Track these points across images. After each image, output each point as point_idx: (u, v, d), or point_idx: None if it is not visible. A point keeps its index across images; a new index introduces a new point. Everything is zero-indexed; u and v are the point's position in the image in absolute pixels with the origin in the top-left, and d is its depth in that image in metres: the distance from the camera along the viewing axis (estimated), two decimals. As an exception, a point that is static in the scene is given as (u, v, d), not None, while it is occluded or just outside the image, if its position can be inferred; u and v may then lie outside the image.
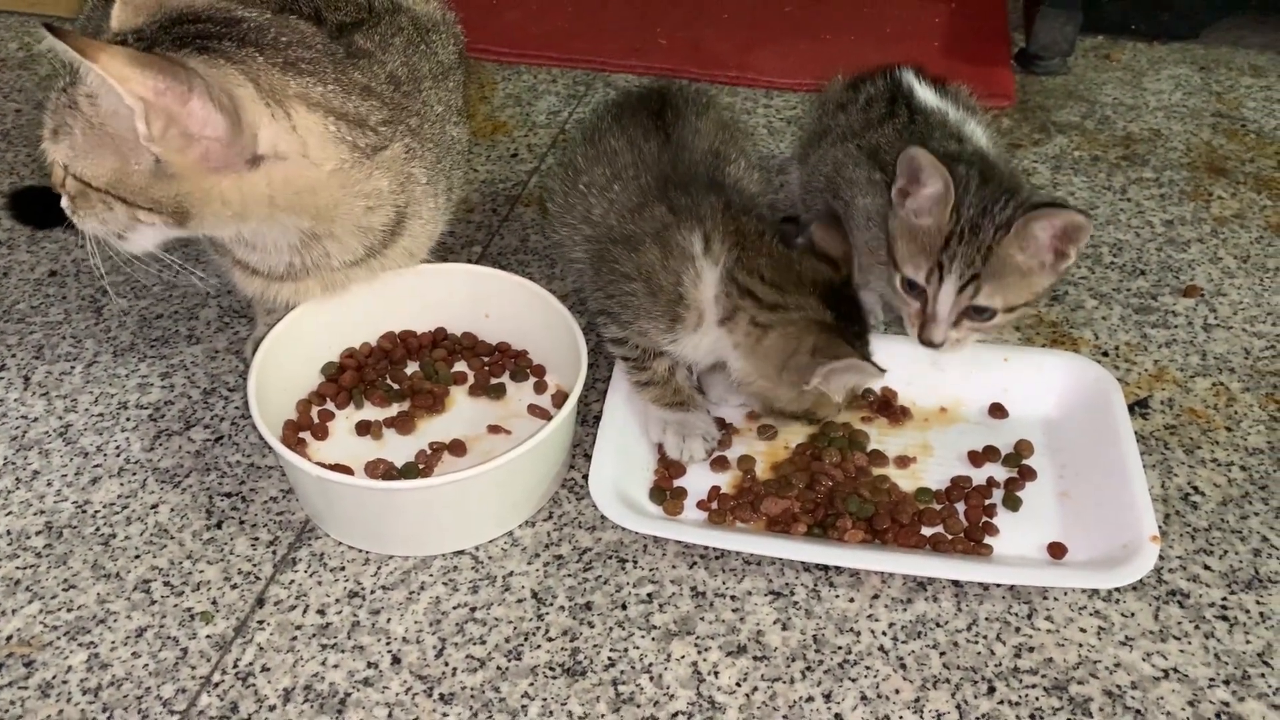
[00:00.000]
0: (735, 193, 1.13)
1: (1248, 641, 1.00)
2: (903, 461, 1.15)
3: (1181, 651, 0.99)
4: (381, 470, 1.13)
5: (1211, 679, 0.97)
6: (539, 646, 1.00)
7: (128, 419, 1.21)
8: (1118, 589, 1.04)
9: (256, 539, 1.09)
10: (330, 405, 1.21)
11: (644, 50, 1.83)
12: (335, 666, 0.98)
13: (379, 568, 1.06)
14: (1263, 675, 0.97)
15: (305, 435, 1.18)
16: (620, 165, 1.15)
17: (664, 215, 1.07)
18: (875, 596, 1.04)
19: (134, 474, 1.15)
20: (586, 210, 1.15)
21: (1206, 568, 1.07)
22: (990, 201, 1.08)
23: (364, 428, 1.19)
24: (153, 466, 1.16)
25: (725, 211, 1.06)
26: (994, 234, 1.07)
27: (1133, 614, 1.02)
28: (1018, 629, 1.01)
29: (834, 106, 1.34)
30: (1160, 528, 1.09)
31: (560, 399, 1.20)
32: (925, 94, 1.26)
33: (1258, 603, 1.03)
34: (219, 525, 1.10)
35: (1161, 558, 1.07)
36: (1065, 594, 1.04)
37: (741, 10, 1.94)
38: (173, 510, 1.11)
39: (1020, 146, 1.64)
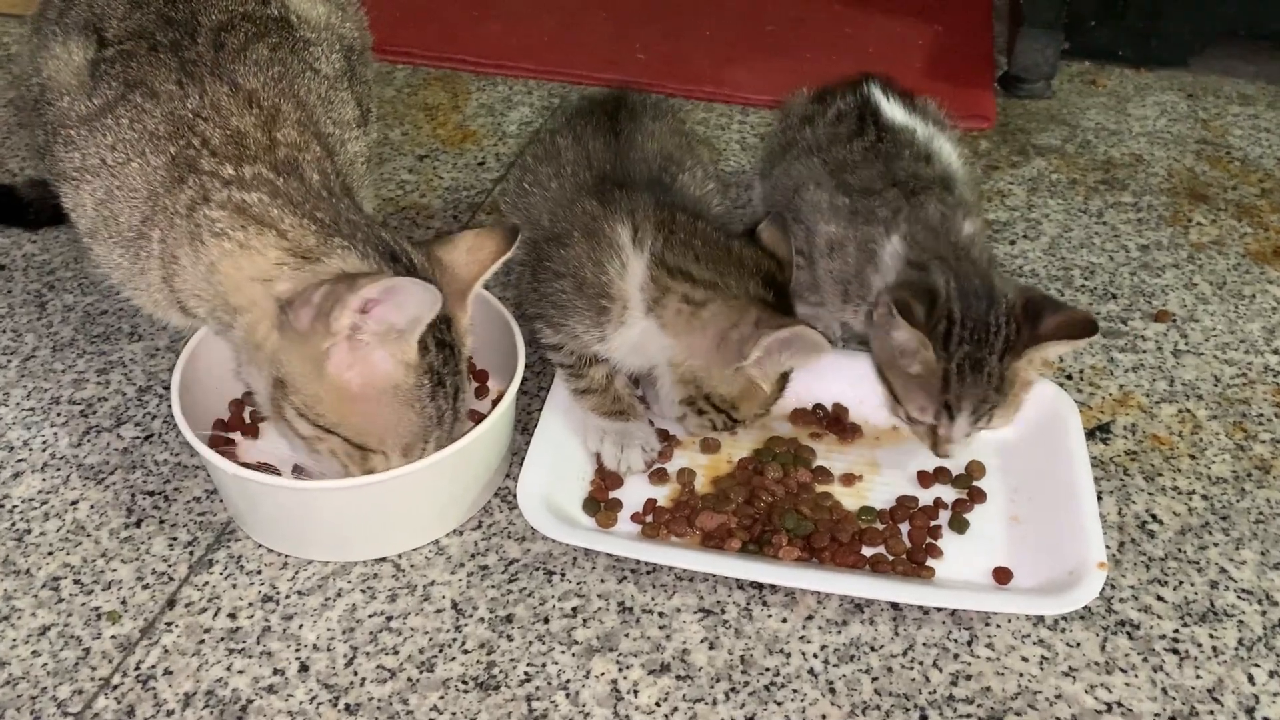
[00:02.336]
0: (679, 197, 1.09)
1: (1198, 676, 0.95)
2: (848, 479, 1.11)
3: (1127, 684, 0.94)
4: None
5: (1157, 714, 0.92)
6: (454, 659, 0.96)
7: (58, 414, 1.18)
8: (1064, 617, 0.99)
9: (175, 539, 1.05)
10: (265, 406, 1.18)
11: (621, 64, 1.81)
12: (240, 672, 0.94)
13: (297, 572, 1.03)
14: (1212, 712, 0.92)
15: (235, 435, 1.15)
16: (562, 163, 1.12)
17: (594, 209, 1.04)
18: (809, 617, 0.99)
19: (57, 470, 1.12)
20: (528, 210, 1.13)
21: (1159, 598, 1.02)
22: (980, 326, 1.01)
23: (298, 429, 1.16)
24: (77, 463, 1.13)
25: (657, 205, 1.03)
26: (1000, 362, 1.02)
27: (1078, 644, 0.98)
28: (956, 655, 0.96)
29: (799, 119, 1.30)
30: (1114, 555, 1.05)
31: (501, 406, 1.16)
32: (893, 110, 1.23)
33: (1211, 636, 0.99)
34: (138, 524, 1.07)
35: (1113, 586, 1.02)
36: (1009, 621, 0.99)
37: (723, 28, 1.92)
38: (92, 507, 1.08)
39: (998, 168, 1.61)
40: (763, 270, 1.02)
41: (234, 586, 1.01)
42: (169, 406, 1.18)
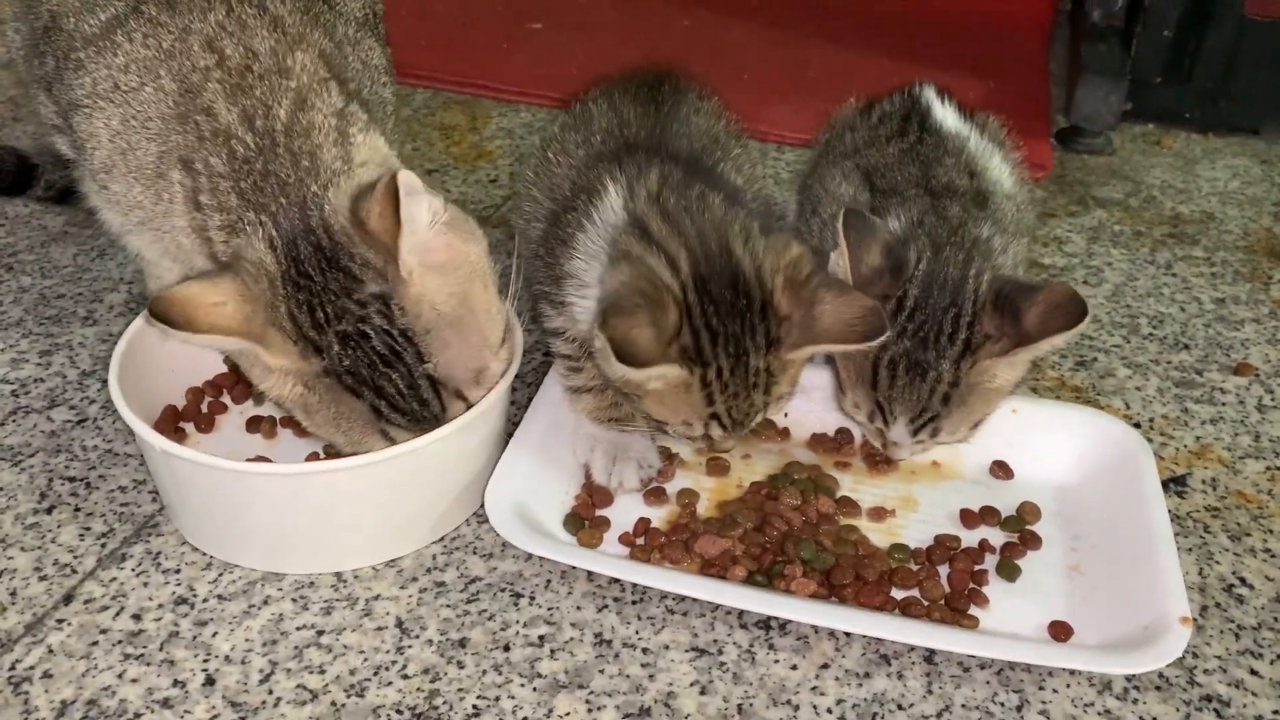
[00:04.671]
0: (720, 183, 0.95)
1: (1306, 768, 0.77)
2: (878, 514, 0.95)
3: (1217, 772, 0.76)
4: (260, 469, 0.95)
5: (1256, 811, 0.74)
6: (389, 684, 0.79)
7: (-14, 392, 1.05)
8: (1137, 685, 0.81)
9: (88, 529, 0.91)
10: (226, 398, 1.05)
11: (652, 97, 1.71)
12: (133, 681, 0.78)
13: (220, 574, 0.87)
14: (1326, 813, 0.74)
15: (188, 426, 1.01)
16: (593, 130, 0.99)
17: (607, 168, 0.90)
18: (824, 666, 0.82)
19: (-28, 449, 0.98)
20: (551, 179, 0.99)
21: (1254, 672, 0.84)
22: (931, 323, 0.87)
23: (255, 424, 1.02)
24: (-4, 442, 0.99)
25: (675, 172, 0.89)
26: (955, 366, 0.87)
27: (1154, 719, 0.79)
28: (1003, 722, 0.79)
29: (842, 127, 1.19)
30: (1196, 621, 0.87)
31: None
32: (944, 114, 1.10)
33: (1320, 721, 0.80)
34: (49, 510, 0.92)
35: (1195, 655, 0.84)
36: (1068, 685, 0.81)
37: (762, 72, 1.83)
38: (1, 490, 0.94)
39: (1054, 216, 1.47)
40: (717, 244, 0.84)
41: (145, 585, 0.86)
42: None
